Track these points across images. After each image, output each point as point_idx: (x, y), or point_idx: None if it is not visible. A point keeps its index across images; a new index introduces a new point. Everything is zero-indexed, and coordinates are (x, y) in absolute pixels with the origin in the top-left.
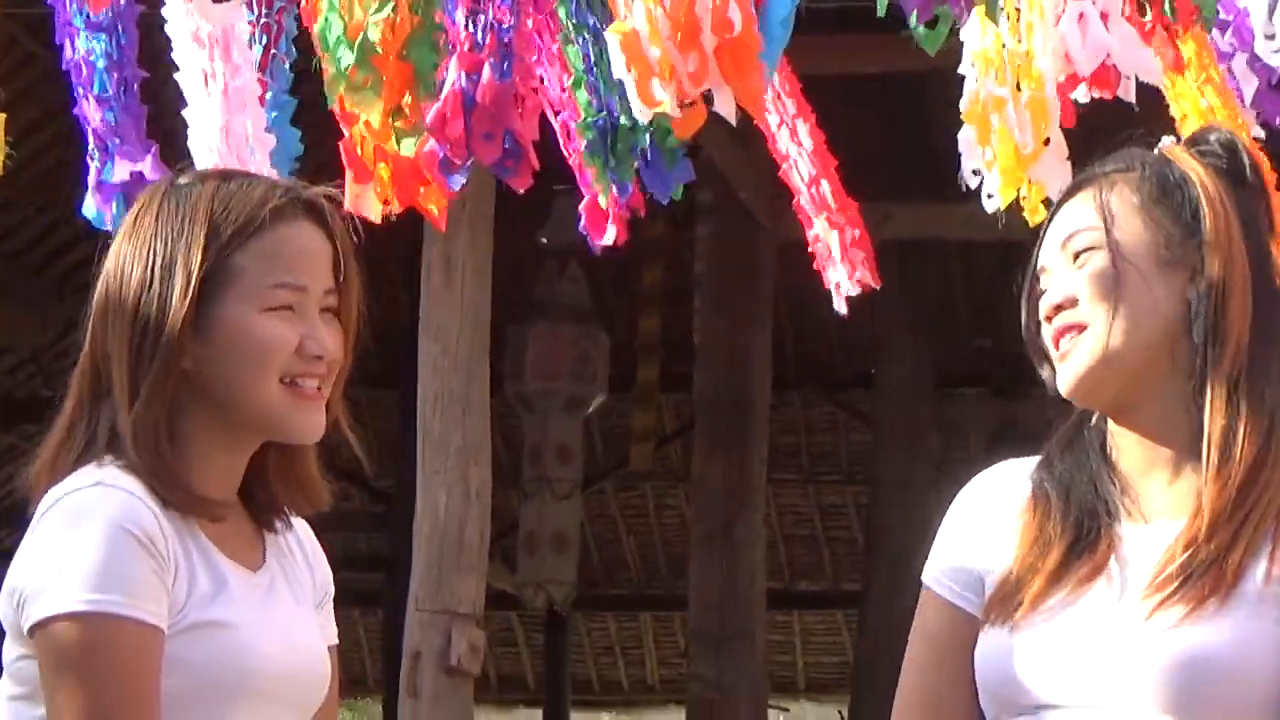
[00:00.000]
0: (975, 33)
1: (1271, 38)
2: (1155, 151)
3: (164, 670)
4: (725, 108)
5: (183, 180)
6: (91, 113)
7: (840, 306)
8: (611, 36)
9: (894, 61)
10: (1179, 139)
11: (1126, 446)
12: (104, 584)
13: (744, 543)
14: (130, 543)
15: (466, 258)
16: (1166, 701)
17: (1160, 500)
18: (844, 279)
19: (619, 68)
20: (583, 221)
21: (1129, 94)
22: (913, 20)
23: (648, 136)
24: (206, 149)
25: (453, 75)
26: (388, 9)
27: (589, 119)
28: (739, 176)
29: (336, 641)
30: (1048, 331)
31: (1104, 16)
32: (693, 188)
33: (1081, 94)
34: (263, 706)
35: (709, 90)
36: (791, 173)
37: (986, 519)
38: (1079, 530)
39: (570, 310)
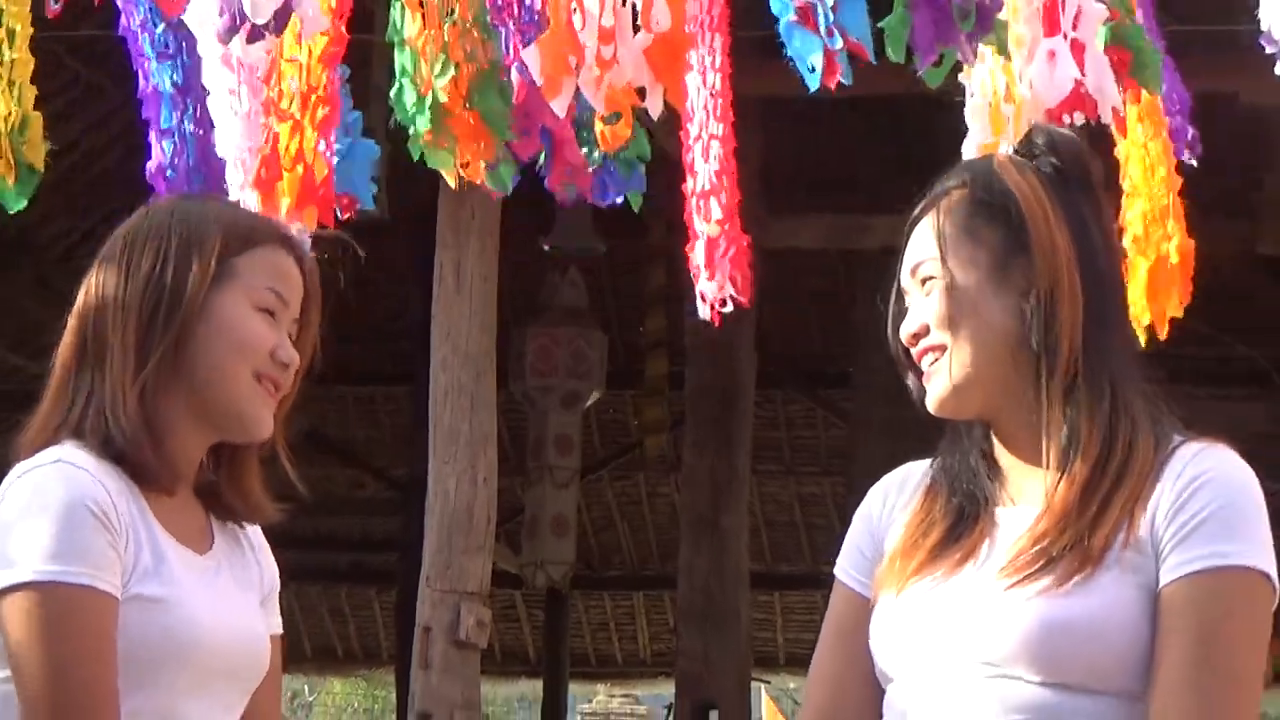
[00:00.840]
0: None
1: None
2: (990, 161)
3: None
4: (654, 105)
5: (191, 196)
6: (155, 145)
7: (704, 313)
8: (532, 51)
9: (873, 84)
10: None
11: (999, 442)
12: (64, 555)
13: (729, 529)
14: (88, 517)
15: (475, 264)
16: (1025, 665)
17: (1031, 487)
18: (710, 289)
19: (537, 72)
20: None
21: (1109, 115)
22: (917, 59)
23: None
24: (235, 167)
25: None
26: (450, 70)
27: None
28: None
29: (280, 632)
30: (914, 351)
31: (1080, 47)
32: None
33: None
34: (204, 680)
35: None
36: (689, 183)
37: (886, 510)
38: (959, 514)
39: (568, 312)
